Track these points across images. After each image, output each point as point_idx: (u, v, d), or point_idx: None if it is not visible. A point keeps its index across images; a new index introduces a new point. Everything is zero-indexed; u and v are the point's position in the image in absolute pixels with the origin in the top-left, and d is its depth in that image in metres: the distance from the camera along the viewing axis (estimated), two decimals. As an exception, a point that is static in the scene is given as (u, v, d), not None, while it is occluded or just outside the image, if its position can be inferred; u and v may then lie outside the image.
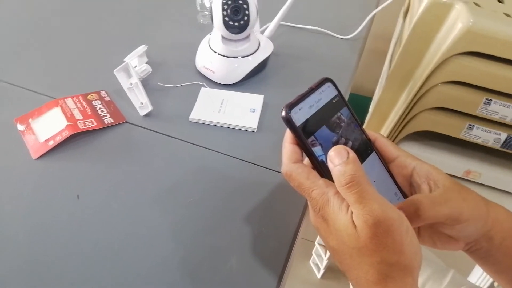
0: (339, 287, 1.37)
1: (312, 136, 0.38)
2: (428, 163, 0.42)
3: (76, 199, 0.53)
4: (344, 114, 0.41)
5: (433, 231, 0.43)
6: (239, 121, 0.64)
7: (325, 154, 0.37)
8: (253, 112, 0.66)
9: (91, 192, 0.54)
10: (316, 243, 1.35)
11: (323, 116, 0.39)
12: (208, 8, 0.83)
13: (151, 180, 0.56)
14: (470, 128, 1.03)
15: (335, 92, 0.41)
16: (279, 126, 0.66)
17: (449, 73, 0.92)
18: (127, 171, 0.57)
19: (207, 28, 0.73)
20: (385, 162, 0.43)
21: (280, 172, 0.58)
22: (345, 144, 0.39)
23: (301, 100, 0.38)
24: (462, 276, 0.74)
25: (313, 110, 0.39)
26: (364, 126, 0.42)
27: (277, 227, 0.51)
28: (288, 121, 0.37)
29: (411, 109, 1.03)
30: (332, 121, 0.40)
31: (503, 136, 1.02)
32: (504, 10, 0.90)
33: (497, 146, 1.04)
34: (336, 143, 0.39)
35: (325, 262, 1.32)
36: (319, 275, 1.38)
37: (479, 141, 1.05)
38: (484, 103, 0.95)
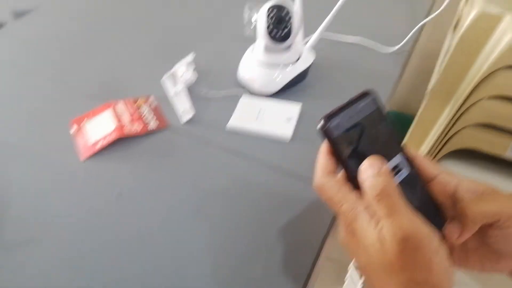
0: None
1: (349, 149, 0.38)
2: (473, 180, 0.39)
3: (118, 197, 0.56)
4: (383, 129, 0.40)
5: (482, 251, 0.40)
6: (273, 130, 0.65)
7: None
8: (289, 121, 0.67)
9: (132, 192, 0.57)
10: (352, 265, 1.27)
11: (362, 129, 0.39)
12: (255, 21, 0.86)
13: (187, 184, 0.58)
14: (517, 146, 0.99)
15: (376, 106, 0.40)
16: (315, 137, 0.67)
17: (495, 87, 0.89)
18: (166, 174, 0.59)
19: (254, 41, 0.76)
20: (425, 181, 0.41)
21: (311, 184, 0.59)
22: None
23: (340, 111, 0.38)
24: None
25: (352, 123, 0.38)
26: (404, 142, 0.41)
27: (303, 239, 0.52)
28: (325, 132, 0.37)
29: (453, 125, 1.00)
30: (371, 135, 0.39)
31: (554, 155, 0.97)
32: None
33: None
34: None
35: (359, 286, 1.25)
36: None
37: (526, 161, 1.01)
38: (533, 120, 0.92)
